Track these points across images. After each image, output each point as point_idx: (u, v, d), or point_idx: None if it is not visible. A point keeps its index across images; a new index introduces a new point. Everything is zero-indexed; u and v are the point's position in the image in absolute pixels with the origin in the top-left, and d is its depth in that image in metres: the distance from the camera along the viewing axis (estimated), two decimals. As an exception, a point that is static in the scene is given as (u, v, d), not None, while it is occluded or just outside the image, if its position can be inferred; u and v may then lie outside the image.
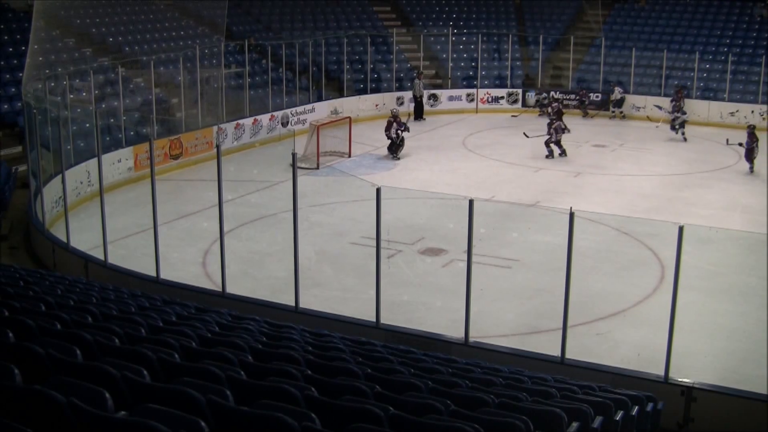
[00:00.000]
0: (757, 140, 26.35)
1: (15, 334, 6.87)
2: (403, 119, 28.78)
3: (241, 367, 7.36)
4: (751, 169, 26.25)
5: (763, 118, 33.31)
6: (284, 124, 30.90)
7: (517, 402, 7.74)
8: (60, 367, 6.08)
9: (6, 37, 28.01)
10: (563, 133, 27.91)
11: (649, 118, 33.89)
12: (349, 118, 29.01)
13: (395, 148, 27.90)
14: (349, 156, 27.27)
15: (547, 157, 27.40)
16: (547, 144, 27.64)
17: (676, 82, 34.70)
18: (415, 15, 42.02)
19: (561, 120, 27.99)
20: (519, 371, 10.68)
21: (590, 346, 13.86)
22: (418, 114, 35.00)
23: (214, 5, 34.19)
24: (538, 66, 38.72)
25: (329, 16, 40.22)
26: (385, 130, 27.93)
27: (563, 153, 27.96)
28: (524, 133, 28.82)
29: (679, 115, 31.09)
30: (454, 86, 37.76)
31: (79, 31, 30.03)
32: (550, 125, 28.03)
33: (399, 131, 27.76)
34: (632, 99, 36.22)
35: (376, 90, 36.18)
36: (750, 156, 26.32)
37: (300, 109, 32.11)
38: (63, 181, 18.73)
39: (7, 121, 25.22)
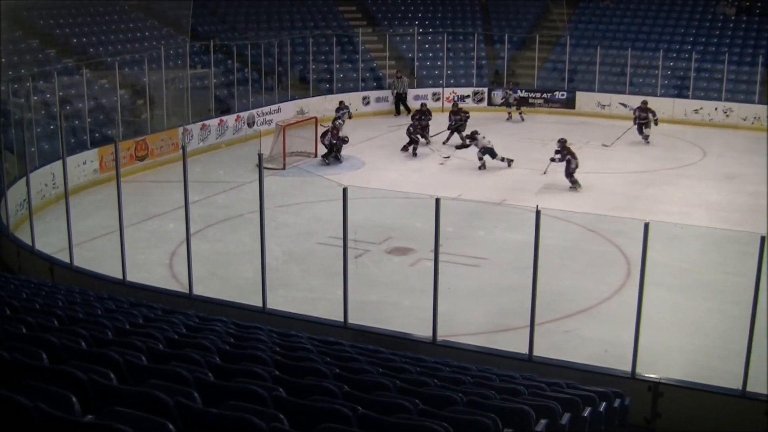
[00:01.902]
0: (654, 114, 29.69)
1: (-21, 338, 6.81)
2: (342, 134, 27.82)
3: (208, 368, 7.34)
4: (646, 138, 29.41)
5: (727, 115, 33.66)
6: (250, 124, 30.81)
7: (485, 400, 7.76)
8: (26, 371, 6.03)
9: (-32, 39, 27.75)
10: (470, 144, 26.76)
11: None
12: (315, 118, 28.97)
13: (327, 155, 27.34)
14: (316, 156, 27.24)
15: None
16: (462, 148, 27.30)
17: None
18: (380, 14, 42.02)
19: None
20: (487, 369, 10.71)
21: (558, 343, 13.93)
22: (400, 110, 36.00)
23: (179, 6, 34.01)
24: (504, 65, 38.83)
25: (294, 15, 40.13)
26: (321, 137, 27.51)
27: (482, 166, 26.31)
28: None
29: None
30: (419, 85, 37.79)
31: (43, 32, 29.78)
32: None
33: (333, 142, 27.16)
34: (597, 97, 36.47)
35: (342, 90, 36.13)
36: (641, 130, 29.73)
37: (266, 109, 32.03)
38: (27, 184, 18.58)
39: (-30, 123, 24.97)
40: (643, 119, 30.17)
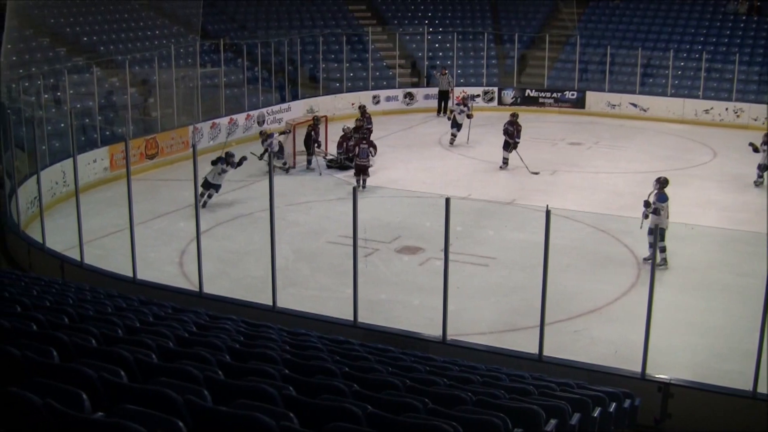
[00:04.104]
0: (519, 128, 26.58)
1: (-10, 335, 6.83)
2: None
3: (218, 366, 7.35)
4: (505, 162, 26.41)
5: (738, 116, 33.55)
6: (260, 123, 30.81)
7: (494, 399, 7.76)
8: (36, 369, 6.05)
9: (-21, 37, 27.80)
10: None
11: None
12: (325, 117, 28.95)
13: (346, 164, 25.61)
14: (326, 155, 27.20)
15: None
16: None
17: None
18: (390, 14, 41.99)
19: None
20: (496, 369, 10.71)
21: (567, 343, 13.91)
22: (441, 109, 35.84)
23: (189, 4, 34.03)
24: (514, 64, 38.79)
25: (304, 15, 40.12)
26: (338, 147, 26.55)
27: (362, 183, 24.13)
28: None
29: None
30: (429, 85, 37.74)
31: (54, 31, 29.80)
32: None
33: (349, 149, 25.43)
34: (607, 97, 36.36)
35: (352, 89, 36.12)
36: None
37: (276, 108, 32.03)
38: (38, 182, 18.64)
39: (-19, 121, 25.02)
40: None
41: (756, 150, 24.62)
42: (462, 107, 29.96)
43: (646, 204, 17.62)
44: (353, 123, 27.27)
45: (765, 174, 24.66)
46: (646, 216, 17.63)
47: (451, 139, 29.68)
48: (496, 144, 27.45)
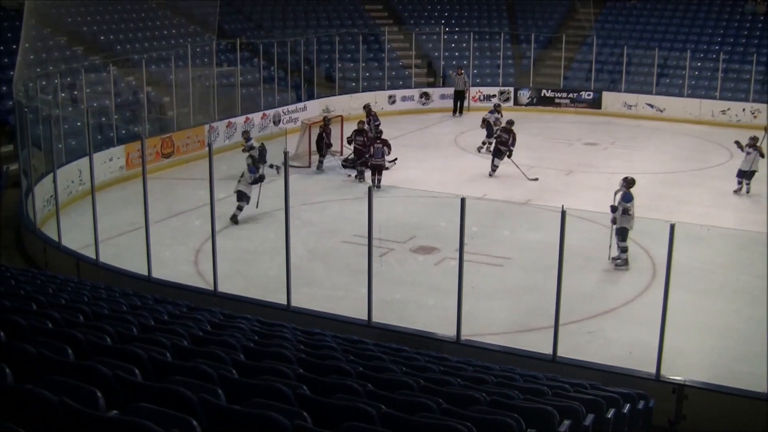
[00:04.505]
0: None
1: (6, 333, 6.86)
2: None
3: (233, 365, 7.36)
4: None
5: (755, 116, 33.41)
6: (276, 122, 30.87)
7: (508, 400, 7.75)
8: (51, 367, 6.07)
9: (-3, 36, 27.96)
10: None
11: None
12: (341, 116, 28.96)
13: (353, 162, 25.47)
14: (341, 155, 27.20)
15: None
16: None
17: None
18: (406, 13, 42.02)
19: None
20: (511, 369, 10.70)
21: (582, 344, 13.88)
22: (456, 109, 35.86)
23: (206, 4, 34.15)
24: (530, 64, 38.74)
25: (321, 14, 40.20)
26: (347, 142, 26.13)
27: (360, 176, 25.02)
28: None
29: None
30: (446, 85, 37.71)
31: (71, 30, 29.94)
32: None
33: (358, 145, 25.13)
34: (624, 97, 36.28)
35: (368, 88, 36.13)
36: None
37: (292, 107, 32.09)
38: (54, 180, 18.70)
39: (-2, 119, 25.16)
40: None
41: (741, 148, 23.86)
42: (497, 115, 28.88)
43: (613, 209, 17.61)
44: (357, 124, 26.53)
45: (745, 182, 23.74)
46: (614, 221, 17.72)
47: (487, 147, 28.17)
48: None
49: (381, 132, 25.40)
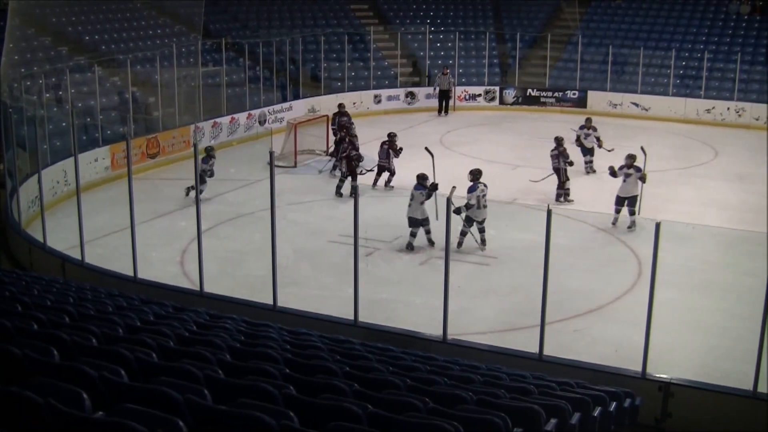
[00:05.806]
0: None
1: (-9, 334, 6.84)
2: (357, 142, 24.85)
3: (219, 366, 7.36)
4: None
5: (739, 115, 33.56)
6: (262, 122, 30.84)
7: (495, 399, 7.76)
8: (37, 368, 6.06)
9: (-20, 36, 27.81)
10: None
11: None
12: (327, 116, 28.94)
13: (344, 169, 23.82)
14: (327, 154, 27.19)
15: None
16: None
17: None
18: (392, 13, 42.02)
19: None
20: (497, 368, 10.71)
21: (568, 342, 13.91)
22: (442, 108, 35.92)
23: (191, 4, 34.03)
24: (515, 64, 38.80)
25: (306, 14, 40.16)
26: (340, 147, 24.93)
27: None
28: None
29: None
30: (431, 84, 37.73)
31: (55, 30, 29.84)
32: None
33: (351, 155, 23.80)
34: (609, 96, 36.38)
35: (354, 88, 36.14)
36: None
37: (277, 107, 32.05)
38: (39, 181, 18.63)
39: (-18, 120, 25.02)
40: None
41: (614, 174, 20.57)
42: (588, 131, 26.67)
43: (458, 211, 17.62)
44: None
45: (628, 209, 20.16)
46: (458, 212, 17.60)
47: (588, 167, 26.58)
48: (498, 143, 27.51)
49: (349, 129, 25.14)
